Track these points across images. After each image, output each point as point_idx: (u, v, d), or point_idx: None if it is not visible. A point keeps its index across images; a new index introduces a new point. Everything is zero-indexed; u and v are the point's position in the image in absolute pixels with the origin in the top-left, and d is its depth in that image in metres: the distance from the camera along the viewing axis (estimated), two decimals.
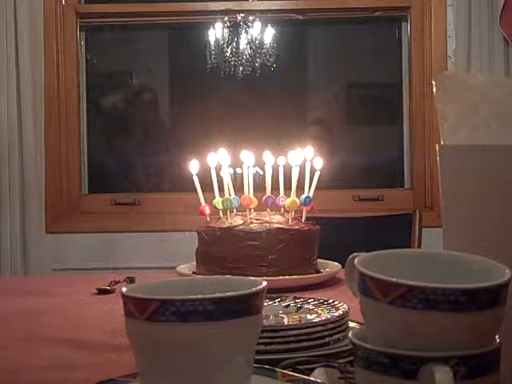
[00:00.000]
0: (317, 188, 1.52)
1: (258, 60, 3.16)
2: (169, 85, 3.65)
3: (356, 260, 0.60)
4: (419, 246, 2.37)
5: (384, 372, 0.56)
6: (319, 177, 1.52)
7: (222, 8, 3.29)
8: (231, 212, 1.49)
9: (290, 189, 1.49)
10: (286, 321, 0.89)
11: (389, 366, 0.55)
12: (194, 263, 1.51)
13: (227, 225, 1.45)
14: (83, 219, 3.27)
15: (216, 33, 3.17)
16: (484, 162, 0.69)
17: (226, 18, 3.19)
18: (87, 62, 3.44)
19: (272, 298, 0.98)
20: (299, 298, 0.98)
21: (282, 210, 1.51)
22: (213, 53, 3.16)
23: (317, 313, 0.91)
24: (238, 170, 1.56)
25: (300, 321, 0.88)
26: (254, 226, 1.44)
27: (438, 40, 3.23)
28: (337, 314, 0.88)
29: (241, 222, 1.45)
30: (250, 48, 3.16)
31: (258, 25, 3.17)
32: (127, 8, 3.41)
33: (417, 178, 3.32)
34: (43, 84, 3.20)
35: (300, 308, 0.94)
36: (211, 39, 3.17)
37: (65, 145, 3.27)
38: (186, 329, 0.58)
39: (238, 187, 1.54)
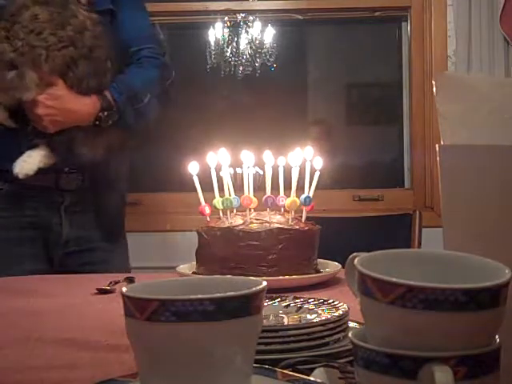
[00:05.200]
0: (317, 188, 1.52)
1: (258, 60, 3.17)
2: (168, 85, 3.65)
3: (356, 260, 0.60)
4: (419, 246, 2.38)
5: (384, 372, 0.56)
6: (319, 177, 1.52)
7: (222, 8, 3.29)
8: (231, 212, 1.49)
9: (290, 189, 1.49)
10: (285, 321, 0.89)
11: (389, 365, 0.55)
12: (194, 263, 1.50)
13: (227, 225, 1.45)
14: None
15: (216, 33, 3.17)
16: (484, 162, 0.69)
17: (226, 18, 3.19)
18: None
19: (272, 298, 0.98)
20: (299, 298, 0.98)
21: (282, 209, 1.50)
22: (213, 53, 3.16)
23: (317, 313, 0.91)
24: (238, 170, 1.55)
25: (300, 321, 0.88)
26: (254, 226, 1.44)
27: (438, 40, 3.23)
28: (337, 314, 0.88)
29: (241, 221, 1.45)
30: (250, 48, 3.16)
31: (258, 25, 3.18)
32: None
33: (417, 178, 3.32)
34: None
35: (300, 308, 0.94)
36: (211, 39, 3.18)
37: None
38: (186, 329, 0.58)
39: (238, 187, 1.54)
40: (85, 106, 1.88)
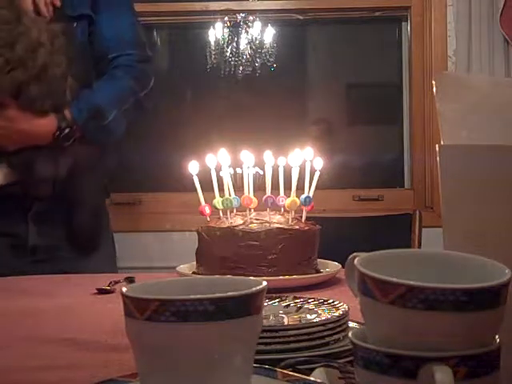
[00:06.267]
0: (317, 188, 1.52)
1: (258, 60, 3.17)
2: (169, 85, 3.65)
3: (356, 260, 0.60)
4: (419, 246, 2.38)
5: (384, 372, 0.56)
6: (319, 177, 1.52)
7: (222, 8, 3.29)
8: (231, 212, 1.49)
9: (290, 189, 1.49)
10: (285, 321, 0.89)
11: (389, 365, 0.55)
12: (194, 263, 1.51)
13: (227, 225, 1.45)
14: None
15: (216, 33, 3.17)
16: (484, 162, 0.69)
17: (226, 18, 3.19)
18: None
19: (272, 298, 0.98)
20: (299, 298, 0.98)
21: (282, 209, 1.50)
22: (213, 53, 3.16)
23: (317, 313, 0.91)
24: (238, 170, 1.55)
25: (300, 321, 0.88)
26: (254, 226, 1.44)
27: (438, 40, 3.23)
28: (337, 314, 0.88)
29: (241, 221, 1.45)
30: (250, 48, 3.17)
31: (258, 25, 3.18)
32: None
33: (417, 178, 3.32)
34: None
35: (300, 308, 0.94)
36: (211, 39, 3.18)
37: None
38: (186, 329, 0.58)
39: (238, 187, 1.54)
40: (40, 126, 1.81)
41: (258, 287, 0.61)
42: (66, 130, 1.82)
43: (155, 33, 3.61)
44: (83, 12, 1.92)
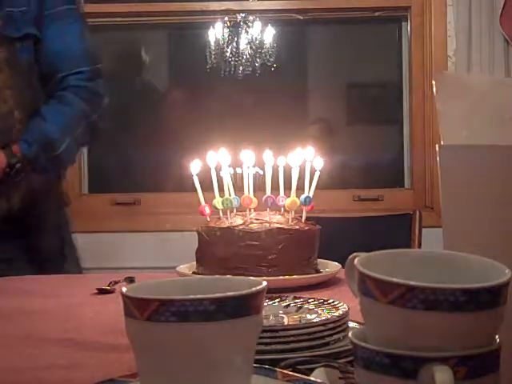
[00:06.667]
0: (317, 188, 1.52)
1: (258, 60, 3.17)
2: (169, 85, 3.66)
3: (356, 260, 0.60)
4: (419, 246, 2.38)
5: (384, 372, 0.56)
6: (319, 177, 1.52)
7: (222, 8, 3.30)
8: (231, 212, 1.49)
9: (290, 189, 1.49)
10: (285, 321, 0.89)
11: (389, 366, 0.55)
12: (194, 263, 1.50)
13: (227, 225, 1.45)
14: (83, 219, 3.27)
15: (216, 33, 3.17)
16: (484, 161, 0.69)
17: (226, 18, 3.19)
18: None
19: (272, 298, 0.98)
20: (299, 298, 0.98)
21: (282, 209, 1.50)
22: (213, 53, 3.16)
23: (317, 313, 0.91)
24: (238, 170, 1.55)
25: (300, 321, 0.88)
26: (254, 226, 1.44)
27: (438, 40, 3.23)
28: (337, 314, 0.88)
29: (241, 221, 1.45)
30: (250, 48, 3.17)
31: (258, 25, 3.18)
32: (127, 8, 3.41)
33: (417, 178, 3.32)
34: None
35: (300, 308, 0.94)
36: (211, 39, 3.18)
37: None
38: (186, 329, 0.58)
39: (238, 187, 1.54)
40: None
41: (257, 287, 0.61)
42: (17, 166, 1.76)
43: (155, 33, 3.62)
44: (28, 31, 1.82)
